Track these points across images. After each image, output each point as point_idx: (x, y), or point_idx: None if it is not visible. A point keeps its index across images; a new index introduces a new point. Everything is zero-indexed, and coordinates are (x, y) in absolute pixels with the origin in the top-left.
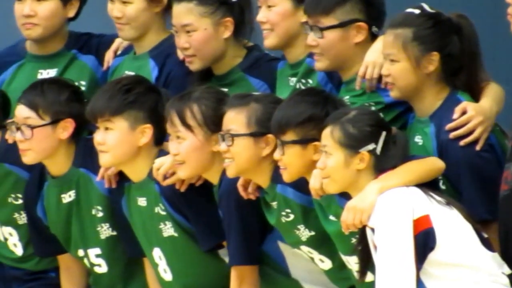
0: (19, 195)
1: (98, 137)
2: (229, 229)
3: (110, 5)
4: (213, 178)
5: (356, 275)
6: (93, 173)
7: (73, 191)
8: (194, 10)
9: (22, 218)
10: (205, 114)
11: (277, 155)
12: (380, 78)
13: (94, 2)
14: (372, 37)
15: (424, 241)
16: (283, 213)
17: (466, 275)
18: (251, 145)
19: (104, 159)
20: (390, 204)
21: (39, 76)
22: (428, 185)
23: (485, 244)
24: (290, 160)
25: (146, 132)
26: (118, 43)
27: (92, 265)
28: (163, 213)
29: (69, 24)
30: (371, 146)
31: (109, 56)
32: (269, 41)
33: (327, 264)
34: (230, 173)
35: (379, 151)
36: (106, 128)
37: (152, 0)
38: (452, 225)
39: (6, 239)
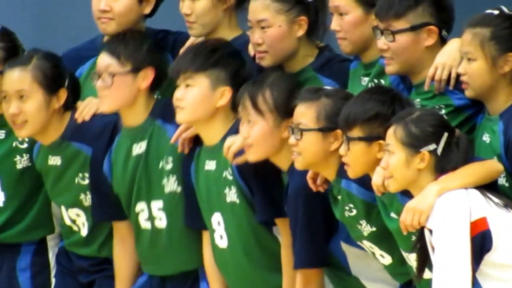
0: (86, 175)
1: (178, 93)
2: (296, 231)
3: (181, 2)
4: (282, 163)
5: (414, 272)
6: (170, 125)
7: (145, 142)
8: (271, 7)
9: (88, 200)
10: (276, 100)
11: (342, 151)
12: (448, 80)
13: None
14: (442, 41)
15: (481, 243)
16: (347, 208)
17: None
18: (319, 140)
19: (181, 115)
20: (448, 207)
21: None
22: (487, 187)
23: None
24: (355, 157)
25: (225, 95)
26: (192, 41)
27: (153, 218)
28: (230, 177)
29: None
30: (432, 146)
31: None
32: (344, 48)
33: (387, 259)
34: (298, 166)
35: (439, 151)
36: (187, 85)
37: None
38: (509, 227)
39: (74, 221)
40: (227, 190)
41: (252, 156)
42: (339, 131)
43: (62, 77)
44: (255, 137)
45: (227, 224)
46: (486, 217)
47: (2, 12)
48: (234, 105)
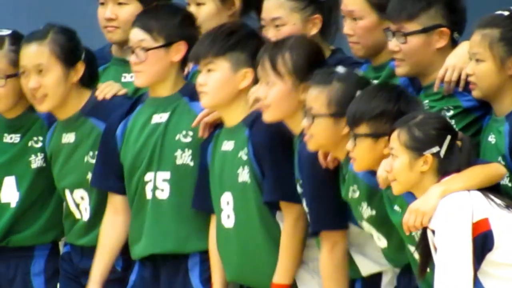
0: (96, 152)
1: (200, 78)
2: (314, 193)
3: (188, 8)
4: (295, 127)
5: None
6: (196, 103)
7: (167, 113)
8: (285, 5)
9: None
10: (296, 63)
11: (349, 146)
12: (458, 81)
13: None
14: (453, 43)
15: (482, 243)
16: (351, 189)
17: None
18: (331, 124)
19: (205, 100)
20: (451, 208)
21: (123, 80)
22: (490, 188)
23: None
24: (361, 153)
25: (247, 76)
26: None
27: (155, 189)
28: (245, 157)
29: None
30: (435, 149)
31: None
32: (357, 52)
33: (383, 243)
34: (310, 147)
35: (442, 154)
36: (209, 70)
37: (224, 3)
38: (510, 227)
39: (78, 205)
40: (240, 170)
41: (269, 116)
42: None
43: (79, 50)
44: (272, 98)
45: (236, 204)
46: (488, 218)
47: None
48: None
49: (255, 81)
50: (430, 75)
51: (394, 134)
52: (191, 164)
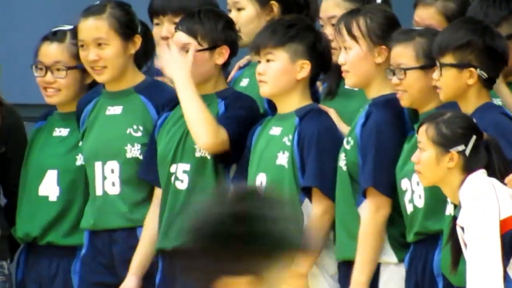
0: (141, 128)
1: (260, 68)
2: (376, 155)
3: (229, 13)
4: (372, 92)
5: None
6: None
7: None
8: (341, 5)
9: (132, 151)
10: (369, 27)
11: (435, 75)
12: None
13: None
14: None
15: (511, 240)
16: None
17: None
18: (422, 76)
19: (264, 89)
20: (479, 206)
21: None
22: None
23: None
24: (447, 82)
25: (305, 68)
26: (246, 59)
27: (176, 179)
28: (288, 143)
29: None
30: (460, 147)
31: (234, 69)
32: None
33: (421, 202)
34: (404, 103)
35: (468, 152)
36: (268, 60)
37: (264, 8)
38: None
39: (105, 178)
40: (280, 153)
41: (349, 81)
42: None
43: (135, 23)
44: (350, 62)
45: (268, 185)
46: None
47: None
48: (312, 78)
49: (312, 73)
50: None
51: (422, 128)
52: (208, 156)
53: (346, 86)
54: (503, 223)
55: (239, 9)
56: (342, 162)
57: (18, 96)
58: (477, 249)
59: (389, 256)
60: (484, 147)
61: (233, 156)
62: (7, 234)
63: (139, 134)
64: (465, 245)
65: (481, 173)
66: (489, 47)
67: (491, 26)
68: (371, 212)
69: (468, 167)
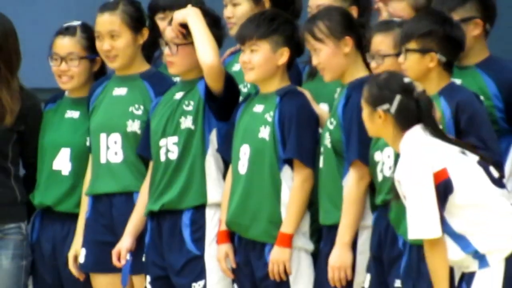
0: (142, 107)
1: (245, 57)
2: (359, 132)
3: (225, 8)
4: (346, 77)
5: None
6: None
7: (183, 92)
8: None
9: (132, 126)
10: (329, 27)
11: (401, 59)
12: None
13: None
14: (486, 33)
15: (444, 189)
16: None
17: (480, 212)
18: (396, 62)
19: (249, 76)
20: (412, 160)
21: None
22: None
23: (495, 183)
24: (411, 65)
25: (284, 54)
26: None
27: (167, 151)
28: (270, 119)
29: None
30: (385, 106)
31: (225, 55)
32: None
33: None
34: None
35: (393, 111)
36: (252, 50)
37: (257, 4)
38: (466, 172)
39: (108, 148)
40: (262, 128)
41: (327, 77)
42: None
43: (144, 18)
44: (323, 61)
45: (251, 155)
46: (446, 168)
47: None
48: (289, 63)
49: (290, 57)
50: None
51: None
52: (192, 127)
53: (326, 81)
54: (436, 175)
55: (235, 5)
56: (327, 141)
57: (36, 81)
58: (414, 199)
59: (366, 220)
60: (415, 105)
61: (225, 97)
62: (26, 201)
63: (140, 112)
64: (404, 196)
65: (417, 129)
66: (448, 35)
67: (451, 17)
68: (355, 181)
69: (399, 124)
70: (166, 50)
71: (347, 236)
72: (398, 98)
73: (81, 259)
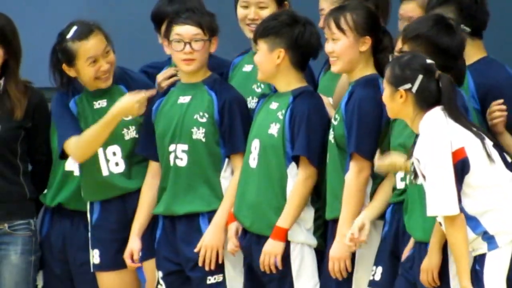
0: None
1: (255, 56)
2: (364, 126)
3: (244, 11)
4: (354, 75)
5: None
6: (213, 91)
7: (190, 96)
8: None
9: (129, 133)
10: (355, 21)
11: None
12: None
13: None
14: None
15: (462, 168)
16: None
17: (493, 194)
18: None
19: (258, 75)
20: (432, 139)
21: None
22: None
23: (508, 167)
24: None
25: (280, 55)
26: None
27: (176, 158)
28: (281, 117)
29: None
30: (407, 86)
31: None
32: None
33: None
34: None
35: (414, 90)
36: (257, 50)
37: (280, 6)
38: (482, 153)
39: (108, 161)
40: (272, 124)
41: (337, 67)
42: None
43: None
44: (339, 51)
45: (261, 150)
46: (464, 147)
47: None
48: (295, 63)
49: (293, 58)
50: None
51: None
52: (203, 140)
53: (333, 71)
54: (454, 154)
55: (261, 8)
56: (331, 136)
57: (43, 80)
58: (433, 177)
59: None
60: (436, 86)
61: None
62: (35, 197)
63: (130, 117)
64: (423, 175)
65: (437, 110)
66: (434, 42)
67: (450, 24)
68: (354, 173)
69: (420, 104)
70: (187, 48)
71: (346, 228)
72: (420, 78)
73: (96, 260)
